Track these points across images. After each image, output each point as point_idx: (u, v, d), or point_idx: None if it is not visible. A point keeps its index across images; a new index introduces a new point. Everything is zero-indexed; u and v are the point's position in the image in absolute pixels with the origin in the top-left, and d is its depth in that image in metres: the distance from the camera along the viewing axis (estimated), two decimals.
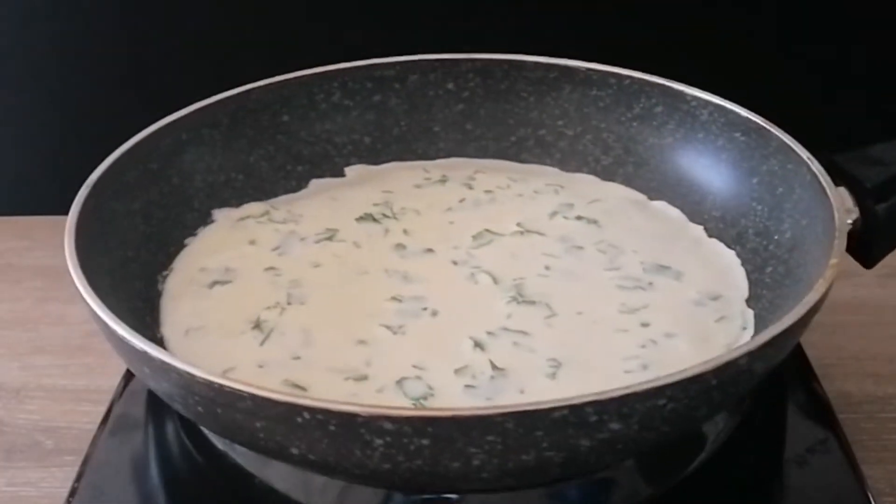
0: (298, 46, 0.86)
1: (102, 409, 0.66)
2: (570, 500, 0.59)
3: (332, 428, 0.48)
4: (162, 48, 0.91)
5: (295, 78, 0.76)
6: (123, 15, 0.90)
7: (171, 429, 0.64)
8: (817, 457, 0.62)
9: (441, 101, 0.78)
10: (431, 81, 0.78)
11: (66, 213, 0.61)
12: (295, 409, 0.47)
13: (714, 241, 0.69)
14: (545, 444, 0.48)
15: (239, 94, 0.74)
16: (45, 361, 0.76)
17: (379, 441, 0.48)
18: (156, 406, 0.65)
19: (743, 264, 0.67)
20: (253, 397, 0.48)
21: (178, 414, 0.63)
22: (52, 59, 0.91)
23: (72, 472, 0.62)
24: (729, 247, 0.68)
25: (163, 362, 0.51)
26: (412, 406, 0.55)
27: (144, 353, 0.51)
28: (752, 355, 0.50)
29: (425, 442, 0.47)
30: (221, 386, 0.49)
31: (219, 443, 0.61)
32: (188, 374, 0.50)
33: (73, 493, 0.60)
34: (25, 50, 0.91)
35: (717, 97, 0.71)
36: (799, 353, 0.69)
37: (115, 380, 0.68)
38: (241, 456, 0.60)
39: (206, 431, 0.62)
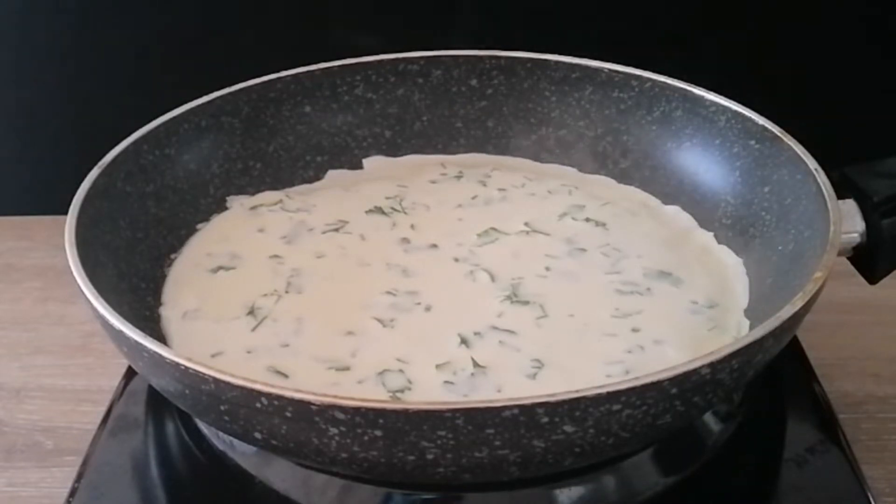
0: (322, 40, 0.87)
1: (102, 409, 0.66)
2: (569, 499, 0.58)
3: (288, 415, 0.48)
4: (165, 46, 0.91)
5: (319, 69, 0.77)
6: (125, 14, 0.90)
7: (170, 429, 0.64)
8: (817, 457, 0.62)
9: (464, 98, 0.78)
10: (455, 77, 0.78)
11: (66, 213, 0.61)
12: (252, 394, 0.48)
13: (723, 247, 0.68)
14: (497, 443, 0.48)
15: (262, 83, 0.75)
16: (45, 361, 0.76)
17: (334, 430, 0.48)
18: (156, 406, 0.66)
19: (747, 273, 0.66)
20: (215, 381, 0.49)
21: (178, 414, 0.64)
22: (52, 58, 0.91)
23: (72, 472, 0.62)
24: (737, 255, 0.67)
25: (137, 343, 0.52)
26: (388, 398, 0.56)
27: (120, 332, 0.53)
28: (714, 366, 0.49)
29: (378, 433, 0.48)
30: (186, 368, 0.50)
31: (218, 443, 0.62)
32: (158, 354, 0.51)
33: (73, 493, 0.60)
34: (25, 49, 0.91)
35: (735, 103, 0.70)
36: (799, 353, 0.69)
37: (115, 380, 0.69)
38: (241, 456, 0.61)
39: (205, 431, 0.62)
